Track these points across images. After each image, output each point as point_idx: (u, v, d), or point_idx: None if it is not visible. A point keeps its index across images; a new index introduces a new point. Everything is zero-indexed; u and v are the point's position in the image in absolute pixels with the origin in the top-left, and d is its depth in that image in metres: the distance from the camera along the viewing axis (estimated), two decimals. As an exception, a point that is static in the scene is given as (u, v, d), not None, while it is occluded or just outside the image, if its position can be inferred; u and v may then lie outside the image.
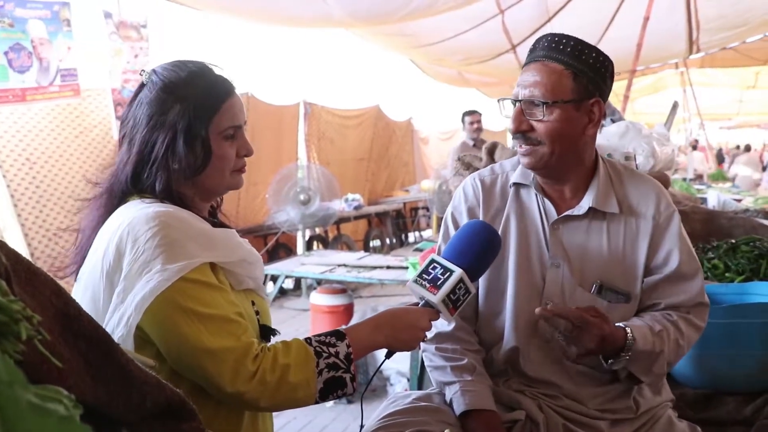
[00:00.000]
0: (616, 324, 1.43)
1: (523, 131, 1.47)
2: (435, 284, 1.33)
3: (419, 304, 1.39)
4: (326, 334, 1.29)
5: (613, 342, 1.40)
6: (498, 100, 1.57)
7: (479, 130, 6.61)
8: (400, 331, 1.34)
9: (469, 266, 1.35)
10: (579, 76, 1.44)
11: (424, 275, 1.36)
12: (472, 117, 6.63)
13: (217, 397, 1.22)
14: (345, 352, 1.26)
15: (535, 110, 1.45)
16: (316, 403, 1.26)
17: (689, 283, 1.52)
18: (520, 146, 1.51)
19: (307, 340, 1.27)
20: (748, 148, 16.92)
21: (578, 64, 1.44)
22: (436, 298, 1.32)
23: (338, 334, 1.29)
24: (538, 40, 1.51)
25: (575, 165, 1.53)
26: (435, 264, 1.37)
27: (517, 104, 1.48)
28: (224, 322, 1.19)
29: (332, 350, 1.26)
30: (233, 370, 1.16)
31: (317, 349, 1.25)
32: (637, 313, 1.54)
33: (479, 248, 1.38)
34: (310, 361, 1.23)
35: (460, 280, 1.33)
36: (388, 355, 1.39)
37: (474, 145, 6.23)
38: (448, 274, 1.34)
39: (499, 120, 6.91)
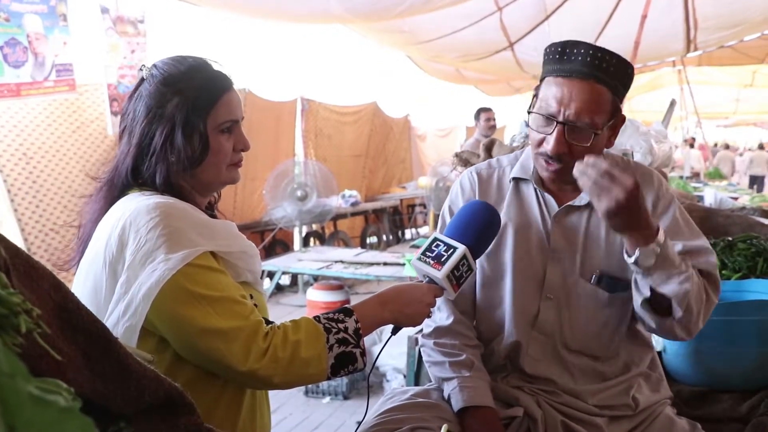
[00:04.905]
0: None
1: (561, 154, 1.41)
2: (439, 261, 1.36)
3: (423, 282, 1.41)
4: (334, 312, 1.31)
5: (646, 222, 1.29)
6: (529, 112, 1.47)
7: (493, 127, 6.60)
8: (405, 306, 1.36)
9: (471, 243, 1.38)
10: (615, 94, 1.41)
11: (427, 253, 1.39)
12: (488, 114, 6.63)
13: (229, 378, 1.23)
14: (354, 327, 1.28)
15: (579, 136, 1.39)
16: (328, 379, 1.28)
17: (701, 254, 1.47)
18: (547, 162, 1.45)
19: (316, 318, 1.29)
20: (726, 146, 17.71)
21: (617, 82, 1.40)
22: (440, 273, 1.35)
23: (346, 311, 1.31)
24: (573, 47, 1.40)
25: None
26: (438, 242, 1.40)
27: (557, 125, 1.39)
28: (231, 303, 1.20)
29: (341, 326, 1.27)
30: (245, 348, 1.17)
31: (326, 325, 1.27)
32: None
33: (480, 226, 1.41)
34: (320, 337, 1.24)
35: (464, 257, 1.36)
36: (395, 331, 1.42)
37: None
38: (452, 250, 1.37)
39: (497, 118, 6.91)
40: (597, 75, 1.37)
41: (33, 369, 0.64)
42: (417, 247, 4.80)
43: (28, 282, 0.73)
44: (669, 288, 1.35)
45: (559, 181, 1.52)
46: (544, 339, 1.53)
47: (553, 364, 1.54)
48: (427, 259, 1.38)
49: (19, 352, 0.58)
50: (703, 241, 1.50)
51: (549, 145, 1.40)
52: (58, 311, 0.76)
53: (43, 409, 0.40)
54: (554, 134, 1.39)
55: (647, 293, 1.38)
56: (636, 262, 1.33)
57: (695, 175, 9.90)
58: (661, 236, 1.32)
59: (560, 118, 1.38)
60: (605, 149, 1.51)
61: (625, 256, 1.36)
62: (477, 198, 1.61)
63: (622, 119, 1.48)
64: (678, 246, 1.44)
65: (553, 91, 1.40)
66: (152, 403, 0.82)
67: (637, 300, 1.41)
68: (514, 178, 1.60)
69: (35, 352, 0.64)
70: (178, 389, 0.86)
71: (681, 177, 7.76)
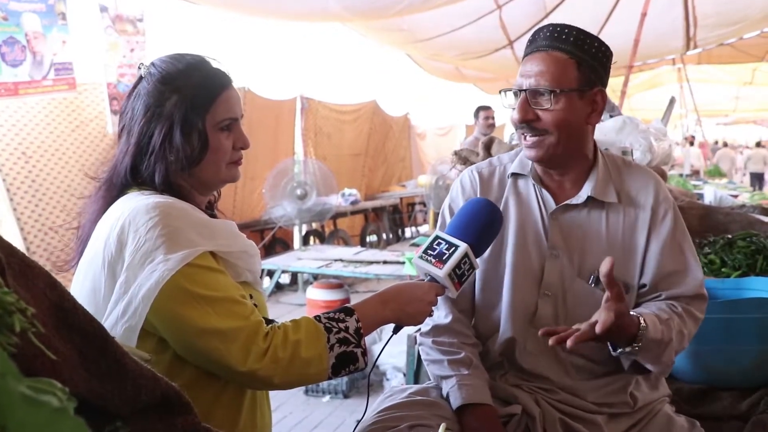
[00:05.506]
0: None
1: (528, 120, 1.46)
2: (440, 259, 1.35)
3: (424, 280, 1.40)
4: (335, 311, 1.30)
5: (627, 328, 1.36)
6: (500, 91, 1.55)
7: (492, 125, 6.60)
8: (407, 305, 1.35)
9: (473, 241, 1.37)
10: (582, 65, 1.44)
11: (429, 251, 1.38)
12: (487, 112, 6.62)
13: (229, 378, 1.23)
14: (355, 326, 1.27)
15: (541, 99, 1.44)
16: (329, 379, 1.27)
17: (688, 275, 1.51)
18: (525, 138, 1.50)
19: (316, 317, 1.28)
20: (725, 144, 18.11)
21: (581, 53, 1.44)
22: (442, 272, 1.34)
23: (347, 310, 1.30)
24: (538, 31, 1.50)
25: (577, 155, 1.54)
26: (440, 240, 1.39)
27: (521, 94, 1.46)
28: (231, 303, 1.20)
29: (342, 325, 1.27)
30: (244, 348, 1.16)
31: (327, 325, 1.26)
32: (638, 303, 1.53)
33: (482, 224, 1.41)
34: (321, 337, 1.23)
35: (465, 255, 1.35)
36: (396, 330, 1.41)
37: None
38: (453, 248, 1.36)
39: (496, 117, 6.91)
40: (555, 45, 1.45)
41: (28, 368, 0.63)
42: (417, 245, 4.79)
43: (23, 281, 0.73)
44: (651, 366, 1.44)
45: (541, 159, 1.51)
46: (541, 336, 1.53)
47: (550, 360, 1.53)
48: (429, 258, 1.37)
49: (13, 352, 0.57)
50: (691, 258, 1.53)
51: (515, 114, 1.47)
52: (53, 310, 0.75)
53: (35, 410, 0.40)
54: (518, 102, 1.47)
55: (626, 365, 1.47)
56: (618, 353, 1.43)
57: (695, 173, 9.89)
58: (642, 329, 1.36)
59: (524, 87, 1.46)
60: (588, 124, 1.51)
61: (609, 348, 1.44)
62: (478, 196, 1.60)
63: (602, 96, 1.50)
64: (663, 268, 1.50)
65: (520, 70, 1.49)
66: (149, 402, 0.81)
67: (624, 364, 1.49)
68: (512, 174, 1.60)
69: (30, 352, 0.63)
70: (175, 389, 0.85)
71: (681, 175, 7.76)
